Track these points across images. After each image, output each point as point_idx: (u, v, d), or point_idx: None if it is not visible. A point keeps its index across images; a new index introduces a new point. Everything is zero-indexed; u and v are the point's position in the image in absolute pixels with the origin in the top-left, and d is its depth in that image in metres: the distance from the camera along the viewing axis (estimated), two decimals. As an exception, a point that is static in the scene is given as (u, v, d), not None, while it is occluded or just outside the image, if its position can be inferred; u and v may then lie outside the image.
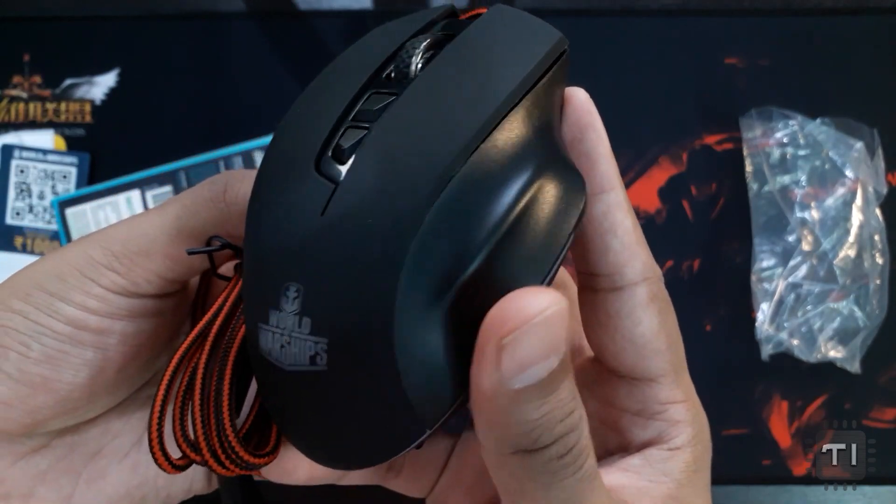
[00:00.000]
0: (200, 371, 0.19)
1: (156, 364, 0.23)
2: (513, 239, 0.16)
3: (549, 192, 0.17)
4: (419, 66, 0.17)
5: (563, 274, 0.24)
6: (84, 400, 0.21)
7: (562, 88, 0.19)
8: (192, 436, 0.19)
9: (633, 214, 0.19)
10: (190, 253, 0.20)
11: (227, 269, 0.22)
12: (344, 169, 0.16)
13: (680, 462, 0.19)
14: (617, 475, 0.19)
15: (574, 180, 0.17)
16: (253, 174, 0.19)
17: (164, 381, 0.19)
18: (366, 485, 0.24)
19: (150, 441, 0.19)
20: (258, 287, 0.17)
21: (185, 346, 0.19)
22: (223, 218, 0.20)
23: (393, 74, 0.18)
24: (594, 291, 0.20)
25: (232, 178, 0.20)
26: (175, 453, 0.19)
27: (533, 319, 0.14)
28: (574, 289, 0.21)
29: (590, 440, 0.16)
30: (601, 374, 0.21)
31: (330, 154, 0.16)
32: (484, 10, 0.19)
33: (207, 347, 0.19)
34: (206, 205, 0.20)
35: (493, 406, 0.15)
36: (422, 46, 0.18)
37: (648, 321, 0.19)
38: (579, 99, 0.19)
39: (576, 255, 0.20)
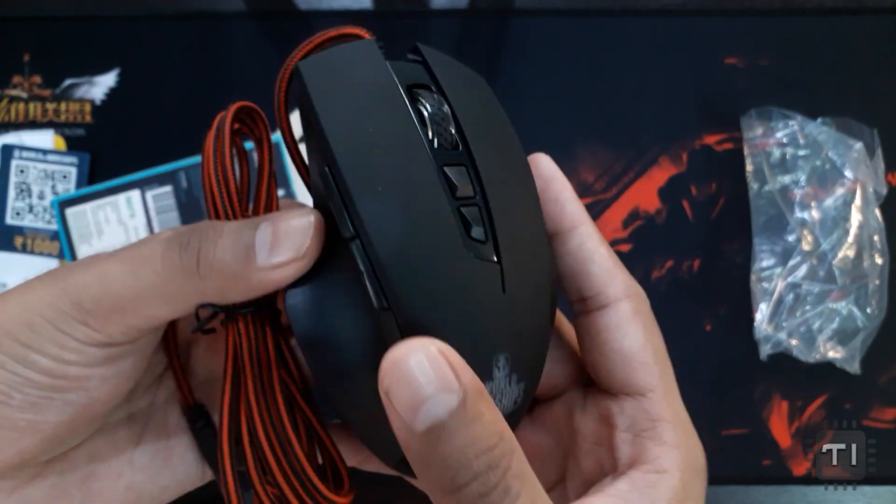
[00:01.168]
0: (263, 439, 0.21)
1: (137, 388, 0.24)
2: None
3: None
4: (454, 133, 0.20)
5: (559, 315, 0.25)
6: (70, 434, 0.21)
7: None
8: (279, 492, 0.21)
9: (607, 244, 0.22)
10: (193, 331, 0.22)
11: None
12: (485, 248, 0.19)
13: (667, 489, 0.19)
14: (602, 501, 0.19)
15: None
16: (224, 227, 0.20)
17: (228, 468, 0.21)
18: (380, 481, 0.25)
19: None
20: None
21: (226, 423, 0.21)
22: (200, 289, 0.19)
23: (436, 143, 0.20)
24: (586, 314, 0.22)
25: (204, 241, 0.19)
26: None
27: (395, 365, 0.16)
28: (568, 324, 0.24)
29: (526, 480, 0.16)
30: (598, 395, 0.22)
31: (468, 236, 0.19)
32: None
33: (260, 409, 0.21)
34: (180, 275, 0.19)
35: (412, 453, 0.16)
36: (443, 113, 0.20)
37: (634, 333, 0.21)
38: (543, 159, 0.22)
39: (566, 287, 0.22)
